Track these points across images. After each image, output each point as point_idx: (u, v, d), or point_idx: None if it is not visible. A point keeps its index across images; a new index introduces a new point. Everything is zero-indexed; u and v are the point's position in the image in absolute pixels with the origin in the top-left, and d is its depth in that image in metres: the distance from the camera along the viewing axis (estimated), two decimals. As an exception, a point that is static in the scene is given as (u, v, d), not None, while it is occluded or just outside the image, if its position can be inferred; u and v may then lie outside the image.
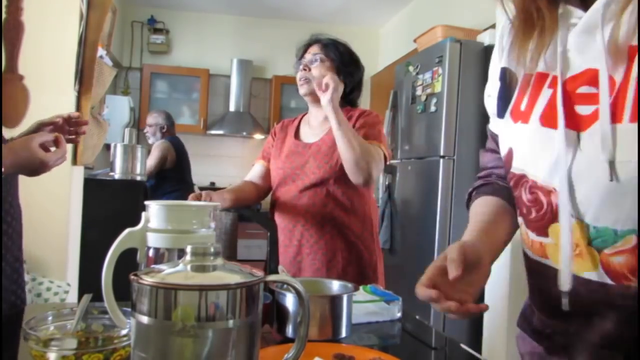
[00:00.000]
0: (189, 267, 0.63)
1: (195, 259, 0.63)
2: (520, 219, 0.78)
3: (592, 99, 0.64)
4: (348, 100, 1.79)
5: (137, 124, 4.51)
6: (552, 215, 0.69)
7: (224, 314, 0.59)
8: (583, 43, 0.66)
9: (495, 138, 0.88)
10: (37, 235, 2.23)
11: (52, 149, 1.18)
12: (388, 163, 1.70)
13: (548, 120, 0.69)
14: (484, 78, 3.06)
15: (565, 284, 0.69)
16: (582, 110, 0.65)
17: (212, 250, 0.64)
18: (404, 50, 4.17)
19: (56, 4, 2.26)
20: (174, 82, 4.72)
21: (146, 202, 0.87)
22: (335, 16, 4.81)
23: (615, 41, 0.62)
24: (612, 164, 0.61)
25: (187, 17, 4.82)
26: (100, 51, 2.38)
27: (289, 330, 1.03)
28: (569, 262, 0.68)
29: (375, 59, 5.11)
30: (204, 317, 0.58)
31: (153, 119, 3.97)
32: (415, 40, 3.33)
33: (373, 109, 4.69)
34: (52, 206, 2.27)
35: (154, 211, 0.86)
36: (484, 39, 2.81)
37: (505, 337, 2.35)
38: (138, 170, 3.09)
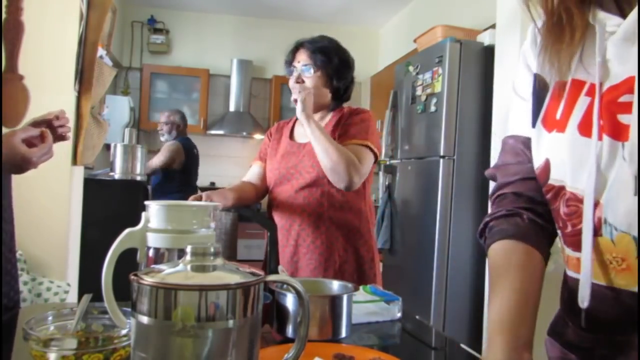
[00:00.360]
0: (189, 267, 0.63)
1: (195, 259, 0.63)
2: (558, 232, 0.75)
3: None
4: (344, 98, 1.79)
5: (137, 124, 4.51)
6: (595, 230, 0.66)
7: (224, 314, 0.59)
8: (624, 52, 0.64)
9: (515, 148, 0.81)
10: (37, 235, 2.23)
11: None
12: (381, 159, 1.70)
13: (586, 129, 0.66)
14: (484, 78, 3.05)
15: (584, 299, 0.67)
16: (625, 119, 0.63)
17: (212, 250, 0.64)
18: (404, 50, 4.17)
19: (56, 4, 2.26)
20: (174, 82, 4.72)
21: (146, 202, 0.87)
22: (335, 16, 4.81)
23: None
24: (637, 177, 0.60)
25: (187, 17, 4.82)
26: (100, 51, 2.38)
27: (289, 330, 1.03)
28: (588, 277, 0.66)
29: (375, 59, 5.11)
30: (204, 317, 0.58)
31: (168, 117, 3.95)
32: (415, 40, 3.33)
33: (373, 109, 4.69)
34: (52, 206, 2.27)
35: (154, 211, 0.86)
36: (484, 39, 2.81)
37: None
38: (138, 170, 3.09)
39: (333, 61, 1.71)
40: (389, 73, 3.85)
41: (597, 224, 0.65)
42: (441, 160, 2.71)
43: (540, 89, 0.75)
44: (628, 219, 0.62)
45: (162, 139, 3.96)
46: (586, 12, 0.68)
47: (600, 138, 0.64)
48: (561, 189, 0.71)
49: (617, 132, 0.63)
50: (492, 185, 0.87)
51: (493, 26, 2.73)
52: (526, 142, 0.79)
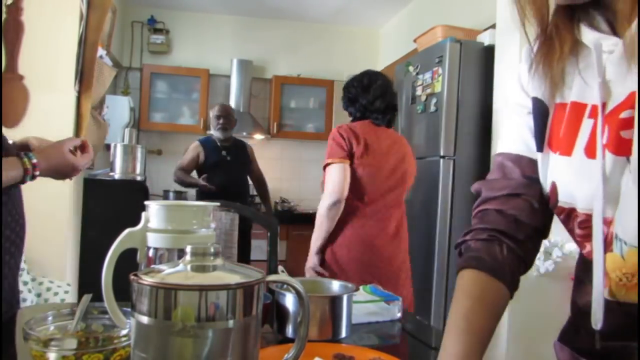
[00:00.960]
0: (189, 267, 0.63)
1: (195, 259, 0.63)
2: (577, 250, 0.75)
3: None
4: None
5: (137, 124, 4.51)
6: (605, 246, 0.66)
7: (224, 314, 0.59)
8: (623, 70, 0.64)
9: (502, 165, 0.80)
10: (37, 235, 2.23)
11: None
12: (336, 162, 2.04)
13: (592, 151, 0.66)
14: (484, 78, 3.04)
15: (597, 322, 0.67)
16: (626, 134, 0.63)
17: (212, 250, 0.64)
18: (404, 50, 4.16)
19: (56, 4, 2.26)
20: (174, 82, 4.72)
21: (146, 202, 0.87)
22: (335, 16, 4.81)
23: None
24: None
25: (187, 17, 4.82)
26: (100, 51, 2.38)
27: (289, 330, 1.03)
28: (601, 300, 0.66)
29: (375, 59, 5.11)
30: (204, 317, 0.58)
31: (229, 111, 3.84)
32: (415, 40, 3.33)
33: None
34: (52, 206, 2.27)
35: (154, 211, 0.86)
36: (484, 39, 2.81)
37: (505, 337, 2.35)
38: (138, 170, 3.09)
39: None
40: (389, 73, 3.84)
41: (609, 240, 0.65)
42: (441, 160, 2.71)
43: (540, 114, 0.75)
44: (637, 233, 0.61)
45: (224, 135, 3.75)
46: (574, 27, 0.69)
47: (604, 156, 0.64)
48: (572, 210, 0.70)
49: (620, 148, 0.63)
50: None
51: (493, 26, 2.73)
52: (515, 159, 0.79)
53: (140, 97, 4.60)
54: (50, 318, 0.87)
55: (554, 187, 0.72)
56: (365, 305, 1.23)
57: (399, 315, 1.24)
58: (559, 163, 0.71)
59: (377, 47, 5.17)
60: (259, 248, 4.04)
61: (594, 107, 0.67)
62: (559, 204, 0.72)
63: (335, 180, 1.93)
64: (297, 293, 0.71)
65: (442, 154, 2.70)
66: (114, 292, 0.78)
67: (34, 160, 1.12)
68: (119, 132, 3.84)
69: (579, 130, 0.68)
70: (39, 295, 2.11)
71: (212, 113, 3.79)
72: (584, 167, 0.67)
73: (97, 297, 0.83)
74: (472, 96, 2.73)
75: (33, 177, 1.14)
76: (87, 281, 2.37)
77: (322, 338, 1.02)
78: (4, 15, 1.99)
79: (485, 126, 2.68)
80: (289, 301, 1.03)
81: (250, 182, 3.98)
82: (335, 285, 1.16)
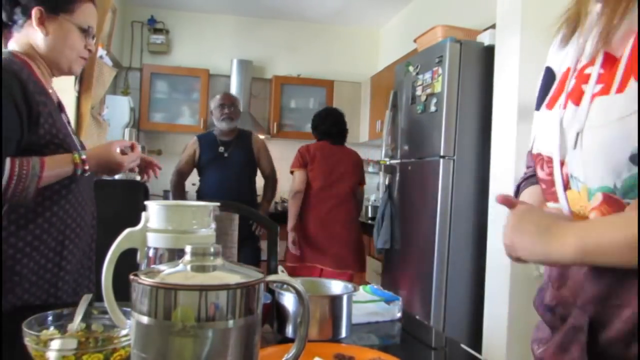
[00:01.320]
0: (189, 267, 0.63)
1: (195, 259, 0.63)
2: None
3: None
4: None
5: (137, 124, 4.51)
6: (565, 185, 0.75)
7: (224, 314, 0.59)
8: (595, 31, 0.73)
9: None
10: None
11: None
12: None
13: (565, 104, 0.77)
14: (484, 78, 3.04)
15: None
16: (585, 87, 0.73)
17: (212, 250, 0.64)
18: (404, 50, 4.16)
19: (56, 4, 2.26)
20: (174, 82, 4.72)
21: (146, 202, 0.87)
22: (335, 16, 4.81)
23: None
24: (579, 133, 0.71)
25: (187, 17, 4.82)
26: (100, 51, 2.38)
27: (289, 330, 1.03)
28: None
29: (375, 59, 5.11)
30: (204, 317, 0.58)
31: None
32: (415, 40, 3.33)
33: (373, 109, 4.69)
34: (52, 206, 2.27)
35: (154, 211, 0.86)
36: (484, 39, 2.81)
37: (505, 337, 2.35)
38: (138, 170, 3.08)
39: None
40: (389, 73, 3.85)
41: (565, 179, 0.74)
42: (441, 160, 2.71)
43: (547, 80, 0.86)
44: (583, 170, 0.71)
45: (229, 125, 3.37)
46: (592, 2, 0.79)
47: (565, 107, 0.76)
48: (538, 155, 0.82)
49: (579, 99, 0.73)
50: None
51: (493, 26, 2.73)
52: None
53: (140, 97, 4.60)
54: (50, 318, 0.87)
55: (533, 140, 0.85)
56: (365, 305, 1.23)
57: (399, 315, 1.24)
58: (541, 116, 0.83)
59: (377, 47, 5.17)
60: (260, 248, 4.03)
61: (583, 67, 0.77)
62: (534, 152, 0.84)
63: (296, 180, 3.23)
64: (297, 293, 0.71)
65: (442, 154, 2.70)
66: (114, 292, 0.78)
67: (83, 157, 1.29)
68: (119, 132, 3.84)
69: (563, 90, 0.79)
70: (39, 295, 2.11)
71: (214, 103, 3.38)
72: (550, 116, 0.79)
73: (97, 297, 0.83)
74: (472, 96, 2.73)
75: (83, 172, 1.30)
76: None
77: (322, 338, 1.02)
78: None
79: (485, 126, 2.68)
80: (289, 301, 1.03)
81: (258, 181, 3.50)
82: (335, 285, 1.16)
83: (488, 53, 2.71)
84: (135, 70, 4.71)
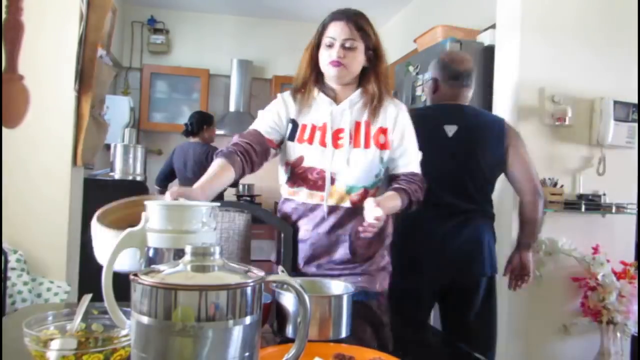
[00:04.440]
0: (189, 267, 0.63)
1: (195, 259, 0.63)
2: (303, 186, 1.57)
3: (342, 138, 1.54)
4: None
5: (137, 124, 4.51)
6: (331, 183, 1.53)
7: (224, 314, 0.59)
8: (339, 116, 1.56)
9: (258, 136, 1.54)
10: (37, 236, 2.23)
11: None
12: None
13: (324, 143, 1.53)
14: (484, 78, 3.02)
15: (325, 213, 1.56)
16: (340, 141, 1.54)
17: (212, 250, 0.64)
18: (404, 50, 4.16)
19: (56, 4, 2.26)
20: (174, 82, 4.72)
21: (146, 202, 0.87)
22: (335, 16, 4.80)
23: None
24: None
25: (187, 17, 4.82)
26: (100, 51, 2.38)
27: (289, 330, 1.03)
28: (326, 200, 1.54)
29: (375, 59, 5.10)
30: (204, 317, 0.58)
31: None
32: (415, 40, 3.33)
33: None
34: (52, 206, 2.27)
35: (154, 211, 0.86)
36: (484, 39, 2.81)
37: (506, 337, 2.34)
38: (138, 170, 3.09)
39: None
40: (389, 73, 3.84)
41: (332, 179, 1.52)
42: (441, 160, 2.70)
43: (294, 126, 1.57)
44: (343, 177, 1.53)
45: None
46: (315, 88, 1.61)
47: (333, 145, 1.53)
48: (311, 168, 1.53)
49: (337, 145, 1.53)
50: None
51: (493, 26, 2.73)
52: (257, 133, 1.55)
53: (140, 97, 4.60)
54: (50, 318, 0.87)
55: (301, 157, 1.53)
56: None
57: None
58: (304, 147, 1.54)
59: (377, 47, 5.17)
60: (259, 248, 4.04)
61: (324, 125, 1.55)
62: (303, 165, 1.53)
63: None
64: (297, 293, 0.71)
65: (442, 154, 2.69)
66: (114, 292, 0.78)
67: None
68: (119, 132, 3.85)
69: (315, 134, 1.54)
70: (39, 295, 2.11)
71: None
72: (319, 149, 1.52)
73: (97, 297, 0.83)
74: (472, 96, 2.72)
75: None
76: (87, 281, 2.36)
77: (322, 338, 1.02)
78: (4, 15, 1.99)
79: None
80: (289, 301, 1.03)
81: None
82: (335, 285, 1.16)
83: (488, 53, 2.71)
84: (135, 70, 4.71)
